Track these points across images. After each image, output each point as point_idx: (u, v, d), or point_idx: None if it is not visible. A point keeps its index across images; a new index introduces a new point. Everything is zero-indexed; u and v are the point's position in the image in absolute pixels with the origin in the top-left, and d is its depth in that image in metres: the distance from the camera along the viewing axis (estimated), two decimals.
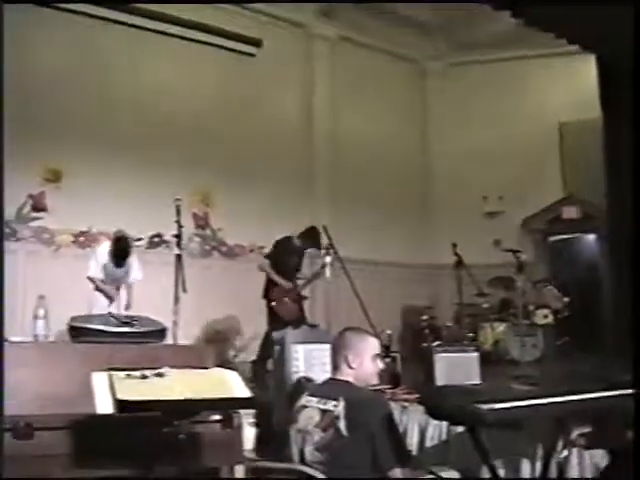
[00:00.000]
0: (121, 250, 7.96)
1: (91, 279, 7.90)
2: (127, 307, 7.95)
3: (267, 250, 9.41)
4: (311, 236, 8.73)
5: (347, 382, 3.73)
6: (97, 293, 7.93)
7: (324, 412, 3.58)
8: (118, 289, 8.04)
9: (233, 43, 11.39)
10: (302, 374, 5.55)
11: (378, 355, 3.84)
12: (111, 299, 7.92)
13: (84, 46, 10.05)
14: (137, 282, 8.54)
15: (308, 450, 3.57)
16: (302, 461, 3.59)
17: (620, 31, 3.96)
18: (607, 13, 4.02)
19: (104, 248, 8.08)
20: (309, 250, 8.90)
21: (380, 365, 3.85)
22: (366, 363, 3.77)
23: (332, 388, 3.73)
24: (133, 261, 8.20)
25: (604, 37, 4.32)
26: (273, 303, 8.47)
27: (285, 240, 8.80)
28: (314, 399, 3.70)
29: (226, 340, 10.15)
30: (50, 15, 9.77)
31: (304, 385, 4.88)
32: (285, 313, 8.44)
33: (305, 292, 8.95)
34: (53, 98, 9.58)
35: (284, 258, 8.69)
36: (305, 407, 3.72)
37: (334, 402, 3.56)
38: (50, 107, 9.52)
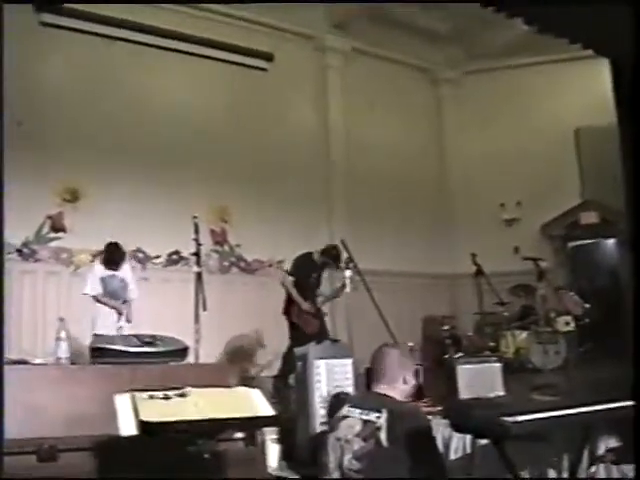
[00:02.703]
0: (112, 254, 7.97)
1: (91, 296, 7.88)
2: (128, 320, 7.91)
3: (286, 264, 9.40)
4: (332, 253, 8.71)
5: (386, 395, 3.76)
6: (101, 310, 7.90)
7: (366, 422, 3.62)
8: (124, 303, 7.99)
9: (244, 58, 11.38)
10: (324, 390, 5.54)
11: (414, 371, 3.88)
12: (119, 312, 7.89)
13: (100, 67, 10.06)
14: (158, 299, 8.57)
15: (346, 458, 3.60)
16: (340, 469, 3.63)
17: (634, 34, 3.94)
18: (620, 16, 4.00)
19: (99, 264, 8.09)
20: (328, 267, 8.87)
21: (412, 381, 3.87)
22: (404, 379, 3.80)
23: (374, 400, 3.77)
24: (129, 275, 8.16)
25: (617, 40, 4.29)
26: (295, 320, 8.47)
27: (305, 256, 8.79)
28: (356, 410, 3.74)
29: (247, 356, 10.14)
30: (63, 35, 9.82)
31: (344, 398, 4.89)
32: (307, 326, 8.44)
33: (325, 307, 8.94)
34: (68, 118, 9.61)
35: (304, 274, 8.67)
36: (346, 417, 3.76)
37: (377, 414, 3.59)
38: (66, 127, 9.55)
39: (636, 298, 3.88)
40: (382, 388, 3.79)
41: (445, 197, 13.53)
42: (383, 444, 3.49)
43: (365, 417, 3.64)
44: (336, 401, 5.23)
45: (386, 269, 11.39)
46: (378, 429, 3.53)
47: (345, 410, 3.82)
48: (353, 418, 3.70)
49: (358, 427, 3.63)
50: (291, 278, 8.65)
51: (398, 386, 3.79)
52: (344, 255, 8.42)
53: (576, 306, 10.63)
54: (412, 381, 3.87)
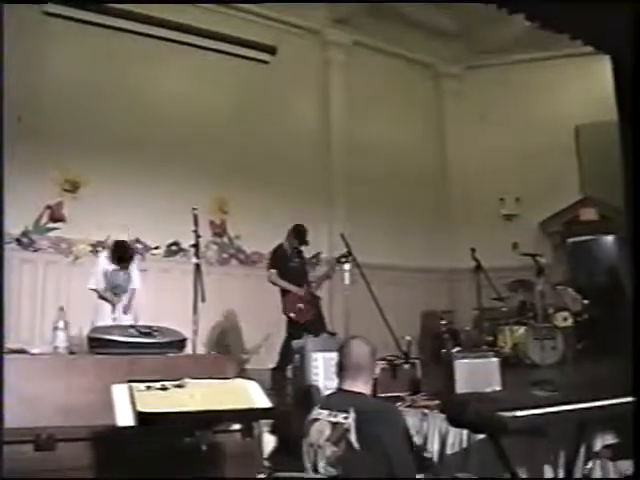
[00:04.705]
0: (121, 252, 7.92)
1: (93, 290, 7.87)
2: (125, 311, 7.88)
3: None
4: (295, 234, 8.75)
5: (356, 393, 3.69)
6: (101, 301, 7.90)
7: (334, 425, 3.52)
8: (117, 295, 7.96)
9: (248, 50, 11.39)
10: (321, 382, 5.55)
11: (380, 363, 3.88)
12: (113, 305, 7.88)
13: (101, 58, 10.07)
14: (156, 290, 8.56)
15: (321, 465, 3.51)
16: (317, 473, 3.53)
17: (634, 31, 3.95)
18: (621, 12, 4.00)
19: (104, 256, 8.07)
20: (323, 256, 8.88)
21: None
22: (373, 372, 3.79)
23: (341, 399, 3.68)
24: (133, 268, 8.13)
25: (618, 37, 4.30)
26: (292, 315, 8.47)
27: (277, 248, 8.82)
28: (324, 412, 3.65)
29: (245, 348, 10.14)
30: (67, 27, 9.81)
31: (314, 395, 4.86)
32: (301, 318, 8.44)
33: (322, 297, 8.94)
34: (70, 110, 9.60)
35: (283, 263, 8.68)
36: (316, 420, 3.66)
37: (344, 414, 3.51)
38: (67, 118, 9.53)
39: (636, 295, 3.88)
40: (357, 385, 3.70)
41: (445, 192, 13.54)
42: (355, 447, 3.40)
43: (333, 419, 3.54)
44: (308, 396, 5.21)
45: (385, 263, 11.39)
46: (347, 431, 3.44)
47: (315, 412, 3.71)
48: (322, 421, 3.60)
49: (327, 431, 3.53)
50: (274, 270, 8.67)
51: (370, 382, 3.75)
52: (342, 244, 8.41)
53: (574, 302, 10.65)
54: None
